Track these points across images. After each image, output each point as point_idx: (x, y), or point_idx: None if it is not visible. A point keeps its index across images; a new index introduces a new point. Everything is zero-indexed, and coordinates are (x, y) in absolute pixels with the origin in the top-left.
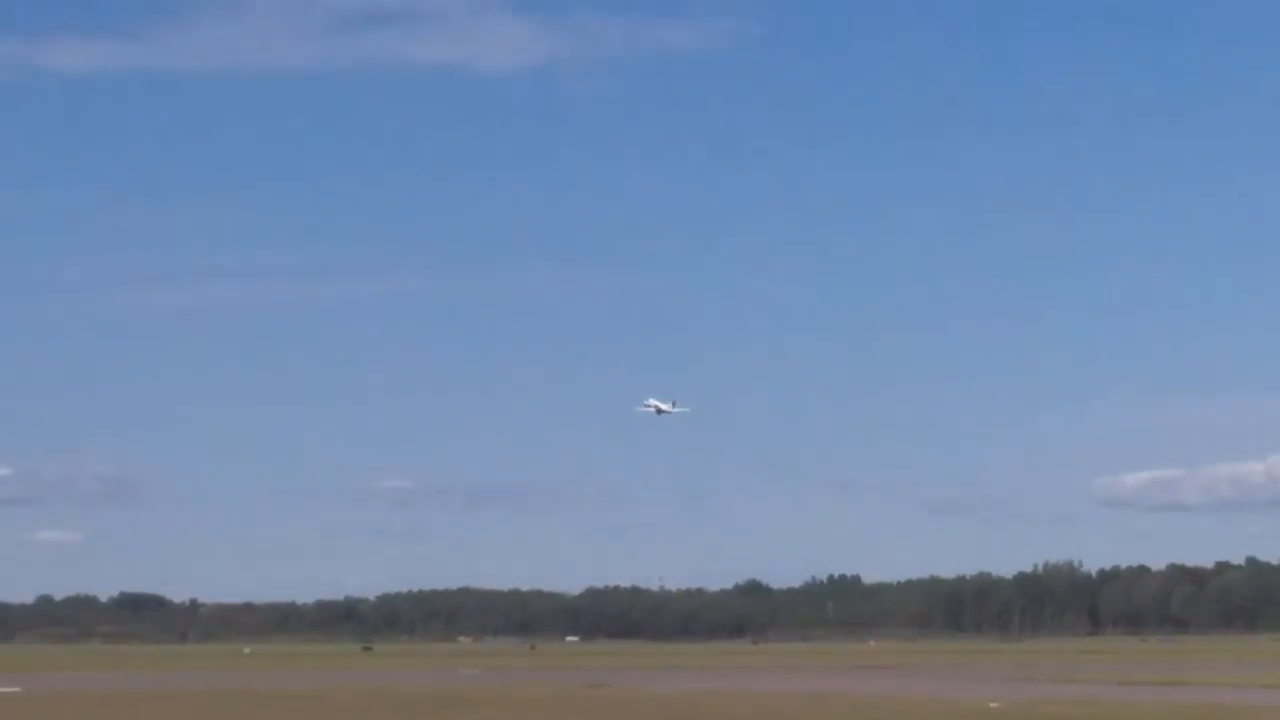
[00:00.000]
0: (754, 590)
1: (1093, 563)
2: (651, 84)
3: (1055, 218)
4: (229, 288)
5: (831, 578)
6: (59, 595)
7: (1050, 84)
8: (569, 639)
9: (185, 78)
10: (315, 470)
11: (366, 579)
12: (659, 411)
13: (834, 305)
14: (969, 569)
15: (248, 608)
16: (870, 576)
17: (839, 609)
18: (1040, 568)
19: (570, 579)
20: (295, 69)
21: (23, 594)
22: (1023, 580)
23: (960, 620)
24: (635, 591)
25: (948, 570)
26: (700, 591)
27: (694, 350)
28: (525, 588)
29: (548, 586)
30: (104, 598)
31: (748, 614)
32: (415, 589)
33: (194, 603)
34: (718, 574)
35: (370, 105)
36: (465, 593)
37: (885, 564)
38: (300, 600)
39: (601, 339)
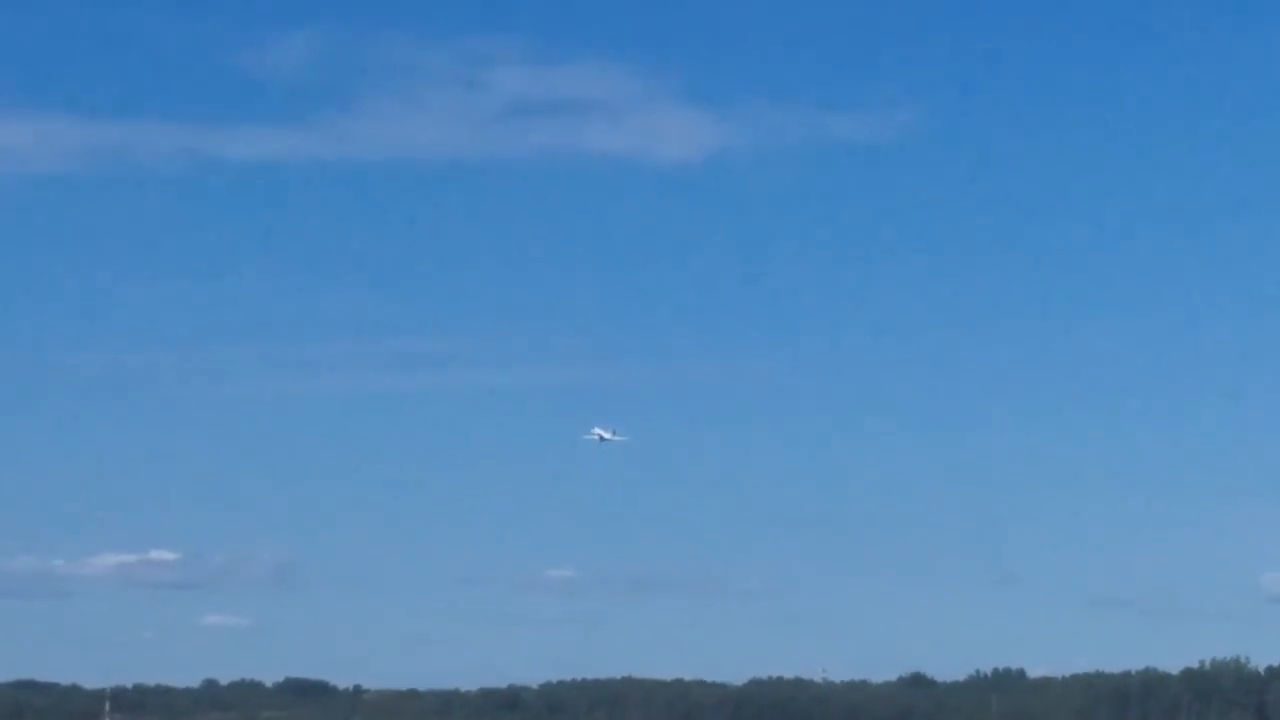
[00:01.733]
0: (918, 683)
1: (1261, 659)
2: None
3: (1237, 309)
4: (399, 375)
5: (996, 671)
6: (224, 680)
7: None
8: None
9: (357, 166)
10: (481, 558)
11: (531, 667)
12: (601, 439)
13: (999, 398)
14: (1135, 664)
15: (412, 694)
16: (1035, 671)
17: (1003, 703)
18: (1207, 664)
19: (733, 669)
20: (468, 159)
21: (189, 678)
22: (1189, 676)
23: (1126, 716)
24: (798, 683)
25: (1113, 666)
26: (864, 684)
27: (858, 439)
28: (688, 677)
29: (710, 676)
30: (269, 683)
31: (911, 707)
32: (579, 678)
33: (358, 689)
34: (881, 666)
35: (542, 194)
36: (628, 682)
37: (1050, 658)
38: (464, 688)
39: (763, 427)
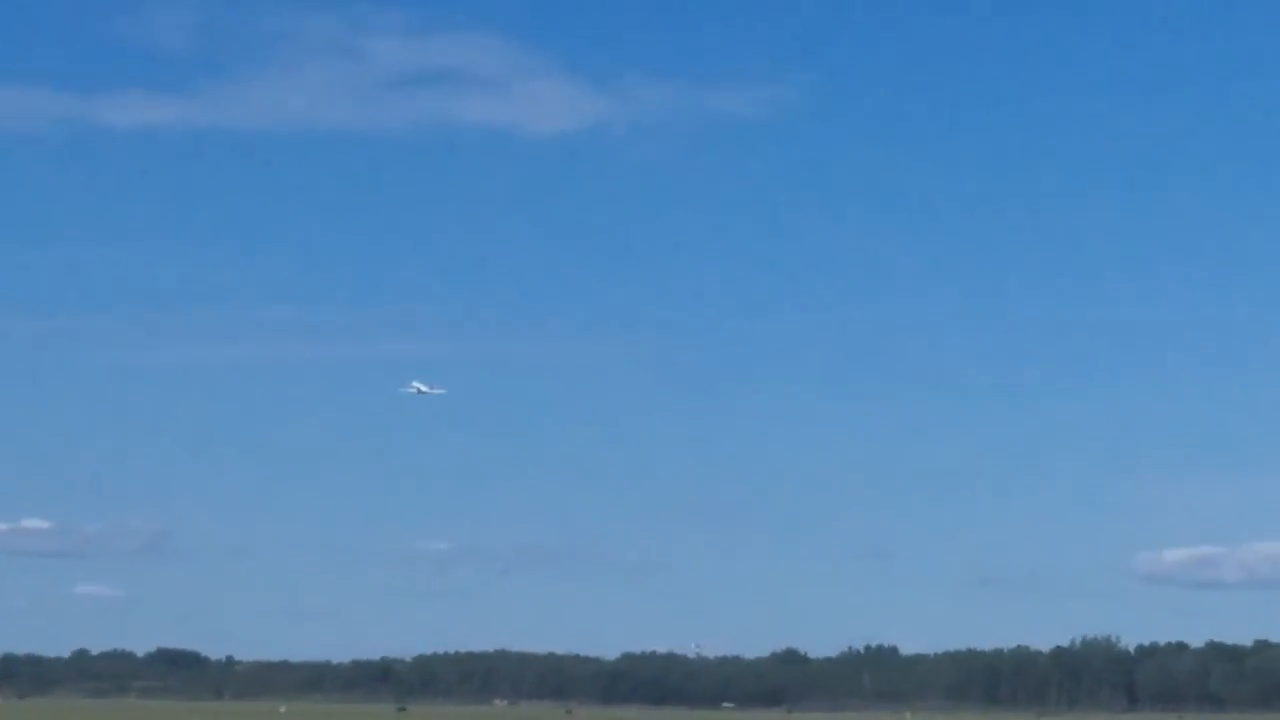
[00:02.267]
0: (790, 659)
1: (1131, 639)
2: (697, 148)
3: (1106, 292)
4: (271, 344)
5: (869, 648)
6: (96, 650)
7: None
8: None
9: (236, 135)
10: (354, 531)
11: (403, 640)
12: (419, 392)
13: (875, 367)
14: (1007, 642)
15: (284, 666)
16: (908, 648)
17: (876, 679)
18: (1078, 643)
19: (607, 644)
20: (348, 129)
21: (60, 648)
22: (1060, 655)
23: (997, 694)
24: (671, 658)
25: (985, 643)
26: (737, 659)
27: (732, 415)
28: (561, 651)
29: (584, 650)
30: (141, 653)
31: (784, 683)
32: (451, 650)
33: (230, 660)
34: (755, 641)
35: (417, 166)
36: (501, 655)
37: (923, 635)
38: (336, 660)
39: (638, 403)
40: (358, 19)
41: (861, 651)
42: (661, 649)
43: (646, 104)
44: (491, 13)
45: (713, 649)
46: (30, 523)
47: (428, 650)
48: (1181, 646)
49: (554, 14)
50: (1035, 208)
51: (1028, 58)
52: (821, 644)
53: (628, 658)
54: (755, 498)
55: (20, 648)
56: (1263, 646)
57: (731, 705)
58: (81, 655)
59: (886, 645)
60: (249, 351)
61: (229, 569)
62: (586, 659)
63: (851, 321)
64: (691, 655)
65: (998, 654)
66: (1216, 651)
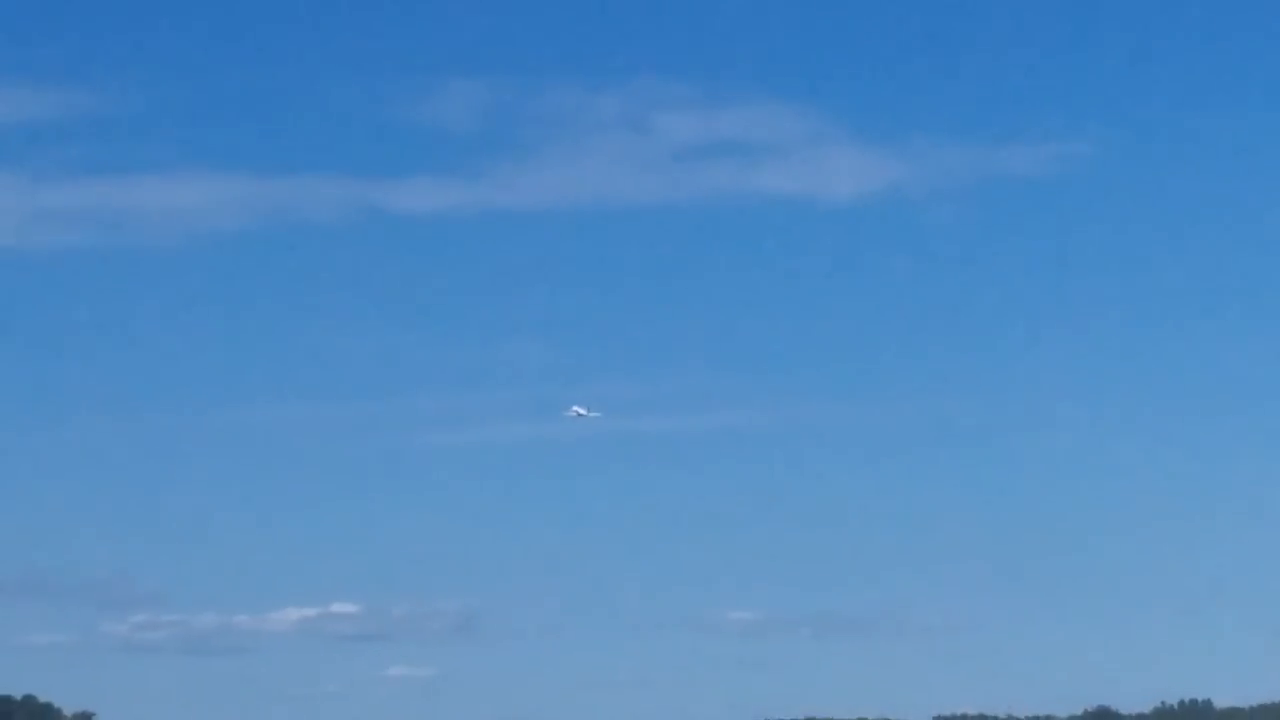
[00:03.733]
0: (1103, 717)
1: None
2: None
3: None
4: (576, 423)
5: (1182, 703)
6: None
7: None
8: None
9: (526, 214)
10: (661, 601)
11: (711, 710)
12: (579, 415)
13: (1174, 419)
14: None
15: None
16: (1222, 700)
17: None
18: None
19: (916, 708)
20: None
21: None
22: None
23: None
24: (982, 719)
25: None
26: (1049, 719)
27: (1028, 468)
28: (871, 716)
29: (893, 715)
30: None
31: None
32: (761, 719)
33: None
34: (1065, 700)
35: (710, 237)
36: None
37: (1237, 687)
38: None
39: (932, 462)
40: (644, 94)
41: (1175, 707)
42: (972, 711)
43: (938, 165)
44: (778, 81)
45: (1023, 709)
46: (340, 607)
47: None
48: None
49: (841, 79)
50: None
51: None
52: (1134, 700)
53: None
54: (1057, 551)
55: None
56: None
57: None
58: None
59: (1200, 699)
60: (552, 430)
61: (541, 647)
62: None
63: (1148, 361)
64: (1003, 716)
65: None
66: None
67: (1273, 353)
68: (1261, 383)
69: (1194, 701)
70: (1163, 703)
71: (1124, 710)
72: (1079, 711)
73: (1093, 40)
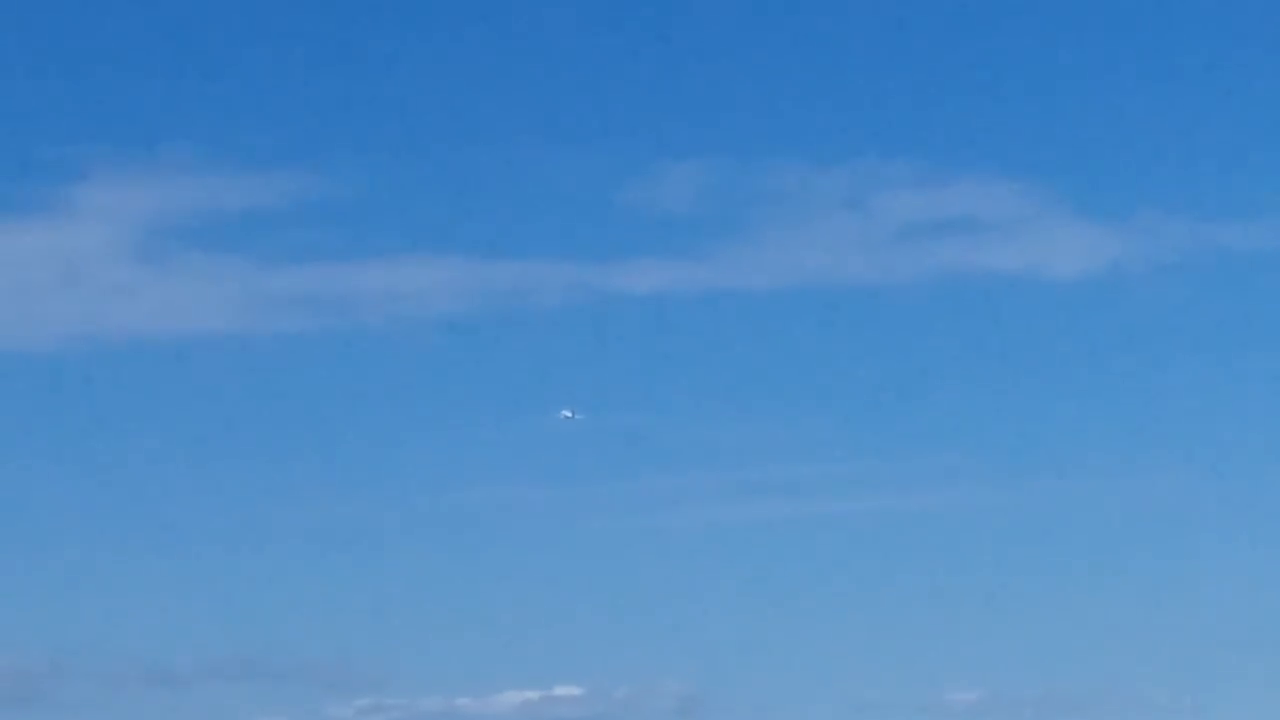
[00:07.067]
0: None
1: None
2: (1214, 284)
3: None
4: (796, 502)
5: None
6: None
7: None
8: None
9: (748, 295)
10: (883, 682)
11: None
12: (567, 418)
13: None
14: None
15: None
16: None
17: None
18: None
19: None
20: (858, 284)
21: None
22: None
23: None
24: None
25: None
26: None
27: (1250, 557)
28: None
29: None
30: None
31: None
32: None
33: None
34: None
35: (933, 316)
36: None
37: None
38: None
39: (1164, 543)
40: (865, 172)
41: None
42: None
43: (1163, 241)
44: (999, 157)
45: None
46: (562, 689)
47: None
48: None
49: (1063, 154)
50: None
51: None
52: None
53: None
54: None
55: None
56: None
57: None
58: None
59: None
60: (776, 509)
61: None
62: None
63: None
64: None
65: None
66: None
67: None
68: None
69: None
70: None
71: None
72: None
73: None
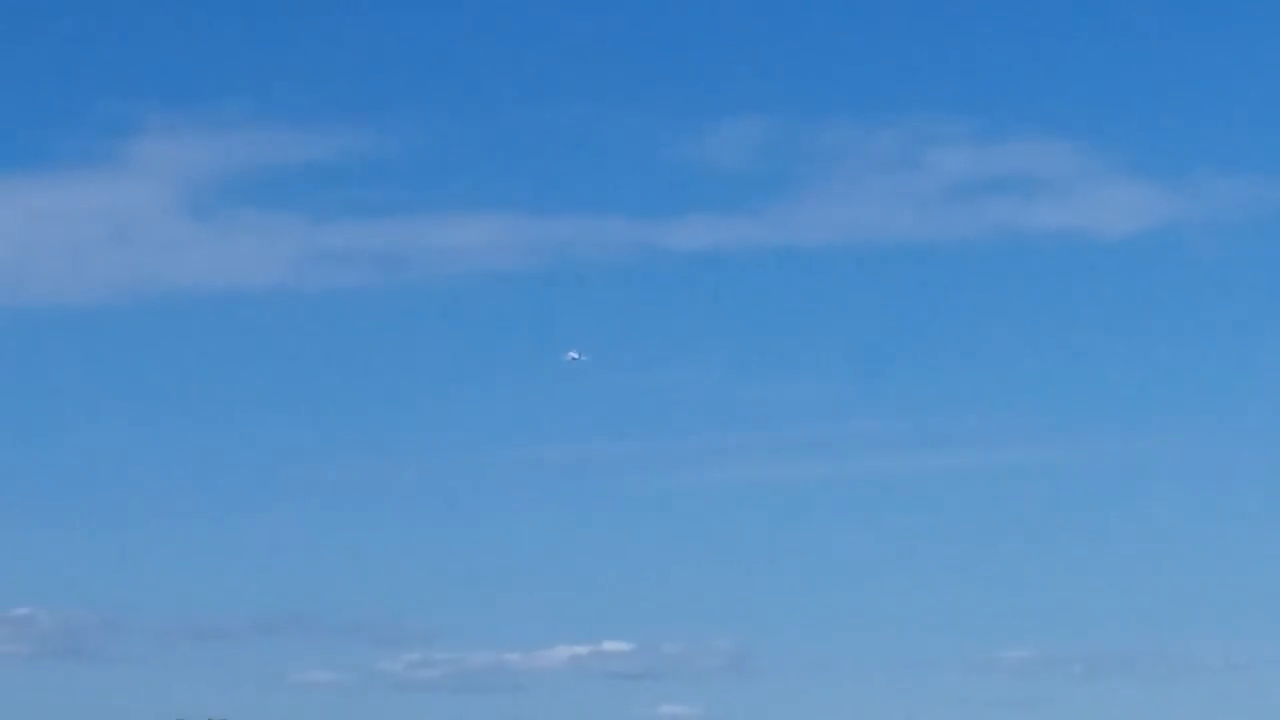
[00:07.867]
0: None
1: None
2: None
3: None
4: (852, 459)
5: None
6: None
7: None
8: None
9: (799, 252)
10: (933, 640)
11: None
12: (573, 360)
13: None
14: None
15: None
16: None
17: None
18: None
19: None
20: (908, 241)
21: None
22: None
23: None
24: None
25: None
26: None
27: None
28: None
29: None
30: None
31: None
32: None
33: None
34: None
35: (983, 274)
36: None
37: None
38: None
39: (1219, 497)
40: (919, 129)
41: None
42: None
43: (1219, 201)
44: (1055, 116)
45: None
46: (611, 644)
47: None
48: None
49: (1119, 113)
50: None
51: None
52: None
53: None
54: None
55: None
56: None
57: None
58: None
59: None
60: (827, 468)
61: (809, 685)
62: None
63: None
64: None
65: None
66: None
67: None
68: None
69: None
70: None
71: None
72: None
73: None
